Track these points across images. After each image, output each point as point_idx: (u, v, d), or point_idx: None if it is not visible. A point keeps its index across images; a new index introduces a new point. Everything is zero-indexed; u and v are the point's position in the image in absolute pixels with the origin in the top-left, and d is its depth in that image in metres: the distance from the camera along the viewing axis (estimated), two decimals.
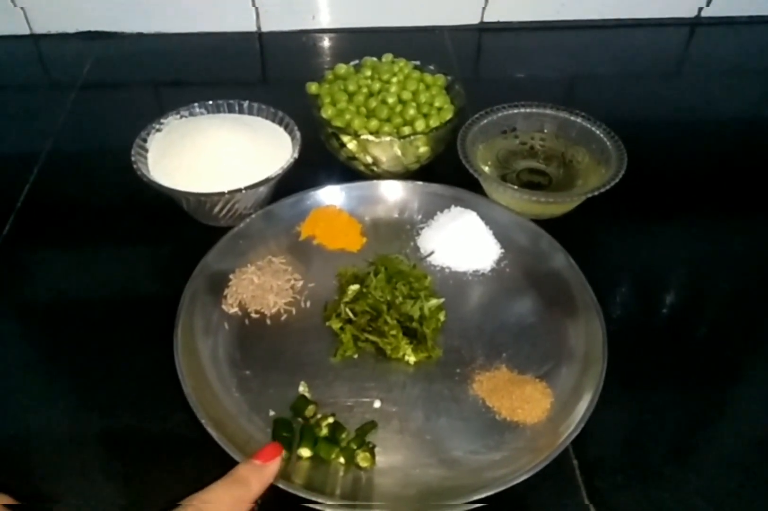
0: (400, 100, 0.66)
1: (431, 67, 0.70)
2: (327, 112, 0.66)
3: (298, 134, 0.65)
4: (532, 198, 0.61)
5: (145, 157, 0.62)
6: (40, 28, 0.92)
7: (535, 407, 0.50)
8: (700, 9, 0.95)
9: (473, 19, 0.95)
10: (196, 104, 0.67)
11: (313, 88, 0.68)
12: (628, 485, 0.47)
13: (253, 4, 0.91)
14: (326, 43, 0.95)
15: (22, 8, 0.89)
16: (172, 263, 0.62)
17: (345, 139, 0.65)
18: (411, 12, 0.94)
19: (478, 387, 0.52)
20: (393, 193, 0.65)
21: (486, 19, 0.95)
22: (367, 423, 0.49)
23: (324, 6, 0.93)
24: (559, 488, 0.47)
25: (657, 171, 0.73)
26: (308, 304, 0.58)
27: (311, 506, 0.43)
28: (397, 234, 0.64)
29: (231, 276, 0.58)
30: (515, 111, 0.70)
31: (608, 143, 0.66)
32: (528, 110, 0.70)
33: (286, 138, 0.65)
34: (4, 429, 0.50)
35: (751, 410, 0.52)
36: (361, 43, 0.92)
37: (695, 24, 0.96)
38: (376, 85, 0.67)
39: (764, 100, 0.85)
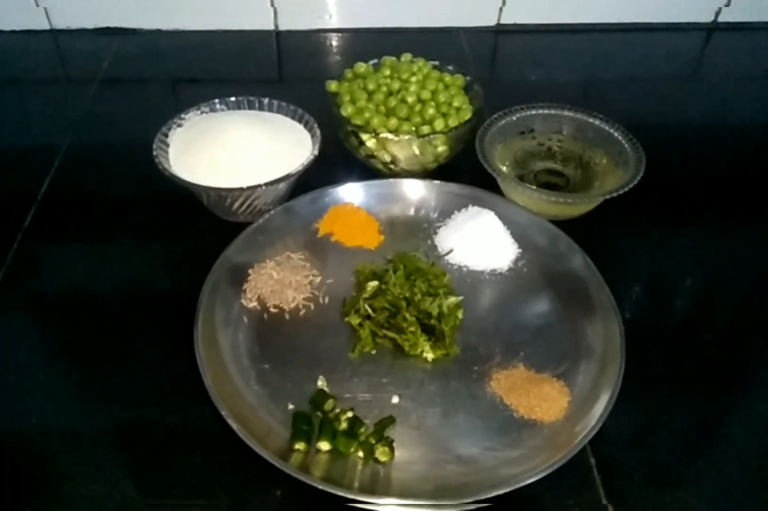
0: (420, 100, 0.67)
1: (450, 68, 0.70)
2: (346, 110, 0.66)
3: (317, 132, 0.65)
4: (550, 199, 0.61)
5: (167, 152, 0.63)
6: (59, 24, 0.93)
7: (552, 406, 0.50)
8: (717, 14, 0.95)
9: (490, 21, 0.95)
10: (216, 100, 0.67)
11: (332, 86, 0.68)
12: (646, 485, 0.48)
13: (272, 4, 0.92)
14: (342, 42, 0.95)
15: (44, 4, 0.90)
16: (191, 258, 0.63)
17: (364, 137, 0.65)
18: (427, 13, 0.94)
19: (495, 385, 0.52)
20: (411, 191, 0.65)
21: (503, 21, 0.95)
22: (385, 418, 0.49)
23: (341, 6, 0.93)
24: (576, 487, 0.48)
25: (673, 174, 0.73)
26: (326, 300, 0.58)
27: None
28: (414, 232, 0.64)
29: (250, 271, 0.59)
30: (533, 112, 0.70)
31: (626, 146, 0.66)
32: (546, 112, 0.70)
33: (305, 135, 0.66)
34: (25, 422, 0.51)
35: None
36: (377, 43, 0.92)
37: (712, 29, 0.96)
38: (396, 84, 0.67)
39: None
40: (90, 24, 0.93)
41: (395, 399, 0.51)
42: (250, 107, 0.68)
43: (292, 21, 0.94)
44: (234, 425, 0.46)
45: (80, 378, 0.54)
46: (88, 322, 0.57)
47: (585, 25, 0.96)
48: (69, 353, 0.56)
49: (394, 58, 0.71)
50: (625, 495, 0.47)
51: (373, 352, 0.54)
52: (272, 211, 0.62)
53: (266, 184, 0.59)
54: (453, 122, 0.65)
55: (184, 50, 0.92)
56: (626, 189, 0.61)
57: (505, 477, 0.46)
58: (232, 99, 0.67)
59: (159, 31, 0.94)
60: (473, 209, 0.64)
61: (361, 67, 0.69)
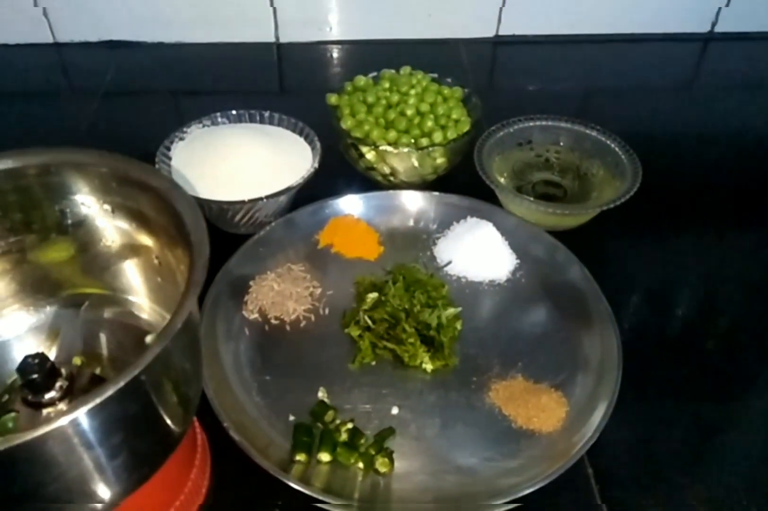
0: (419, 112, 0.67)
1: (448, 80, 0.71)
2: (346, 123, 0.67)
3: (317, 144, 0.66)
4: (548, 210, 0.62)
5: (169, 165, 0.64)
6: (63, 37, 0.94)
7: (550, 416, 0.51)
8: (714, 24, 0.96)
9: (488, 32, 0.96)
10: (218, 114, 0.68)
11: (332, 99, 0.69)
12: (643, 495, 0.48)
13: (274, 17, 0.93)
14: (343, 54, 0.96)
15: (47, 18, 0.91)
16: None
17: (364, 149, 0.66)
18: (426, 24, 0.95)
19: (494, 395, 0.53)
20: (410, 203, 0.66)
21: (501, 33, 0.96)
22: (385, 429, 0.50)
23: (341, 18, 0.94)
24: (574, 497, 0.48)
25: (670, 184, 0.73)
26: (327, 311, 0.59)
27: (322, 506, 0.44)
28: (413, 243, 0.65)
29: (251, 283, 0.60)
30: (531, 124, 0.71)
31: (623, 156, 0.67)
32: (544, 123, 0.71)
33: (306, 148, 0.66)
34: None
35: (765, 420, 0.53)
36: (377, 54, 0.93)
37: (708, 39, 0.97)
38: (395, 97, 0.68)
39: None
40: (93, 37, 0.94)
41: (395, 410, 0.52)
42: (251, 120, 0.69)
43: (293, 33, 0.95)
44: (236, 437, 0.47)
45: None
46: None
47: (583, 36, 0.97)
48: None
49: (393, 71, 0.71)
50: (622, 505, 0.48)
51: (373, 363, 0.55)
52: (273, 224, 0.63)
53: (267, 197, 0.60)
54: (451, 134, 0.66)
55: (186, 63, 0.93)
56: (623, 200, 0.62)
57: (503, 487, 0.46)
58: (234, 112, 0.68)
59: (161, 44, 0.95)
60: (472, 220, 0.65)
61: (361, 80, 0.70)
